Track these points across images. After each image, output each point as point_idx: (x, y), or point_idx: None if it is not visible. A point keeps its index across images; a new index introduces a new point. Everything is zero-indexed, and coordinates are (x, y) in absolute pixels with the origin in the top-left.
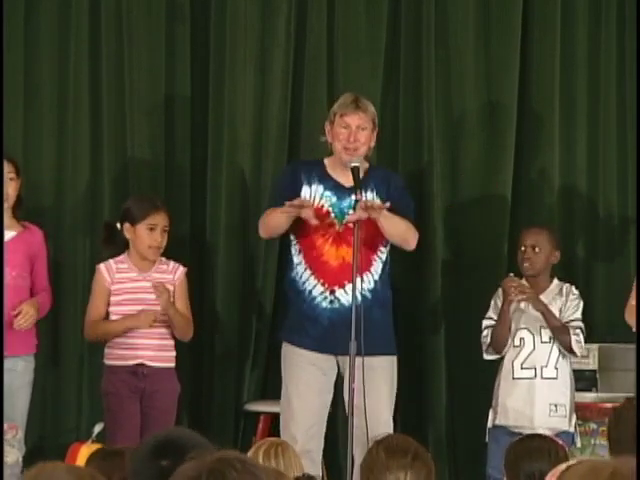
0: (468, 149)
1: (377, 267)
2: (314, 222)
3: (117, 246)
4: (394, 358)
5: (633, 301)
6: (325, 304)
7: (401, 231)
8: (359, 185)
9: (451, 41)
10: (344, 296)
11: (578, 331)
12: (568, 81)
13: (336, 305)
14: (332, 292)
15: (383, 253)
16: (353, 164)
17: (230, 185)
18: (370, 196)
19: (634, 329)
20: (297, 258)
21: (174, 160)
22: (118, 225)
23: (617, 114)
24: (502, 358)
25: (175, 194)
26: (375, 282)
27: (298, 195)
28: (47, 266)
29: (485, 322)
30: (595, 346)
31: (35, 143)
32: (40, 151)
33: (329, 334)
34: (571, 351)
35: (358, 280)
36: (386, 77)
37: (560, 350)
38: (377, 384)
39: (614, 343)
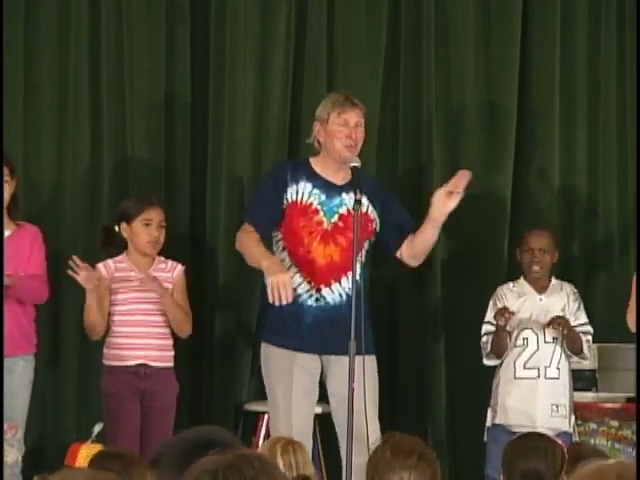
0: (468, 149)
1: (359, 267)
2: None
3: (116, 247)
4: (374, 357)
5: (633, 303)
6: (310, 302)
7: (432, 244)
8: (359, 184)
9: (451, 41)
10: (330, 295)
11: (589, 337)
12: (568, 81)
13: (321, 303)
14: (318, 290)
15: (365, 252)
16: (353, 164)
17: (230, 185)
18: (365, 200)
19: (633, 330)
20: (281, 255)
21: (174, 160)
22: (116, 227)
23: (617, 114)
24: None
25: (175, 194)
26: (357, 282)
27: (280, 204)
28: (43, 259)
29: (485, 327)
30: (595, 346)
31: (35, 143)
32: (40, 151)
33: (314, 333)
34: (580, 354)
35: (344, 279)
36: (386, 77)
37: (564, 350)
38: (367, 384)
39: (614, 343)
